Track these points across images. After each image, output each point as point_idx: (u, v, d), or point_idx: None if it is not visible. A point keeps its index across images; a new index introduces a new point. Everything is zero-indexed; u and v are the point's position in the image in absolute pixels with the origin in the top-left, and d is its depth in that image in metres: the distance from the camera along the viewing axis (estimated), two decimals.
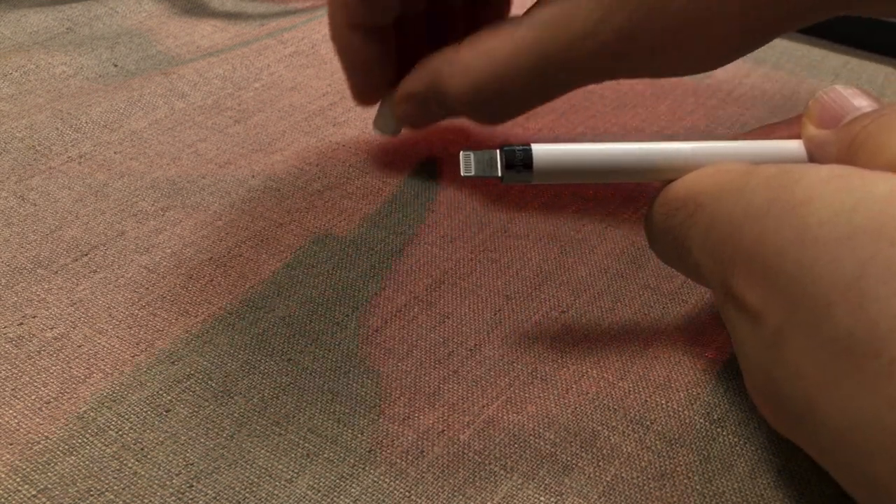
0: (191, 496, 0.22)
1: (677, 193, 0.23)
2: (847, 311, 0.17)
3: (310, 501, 0.22)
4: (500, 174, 0.23)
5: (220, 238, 0.31)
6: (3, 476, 0.22)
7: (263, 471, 0.23)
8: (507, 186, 0.34)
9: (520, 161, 0.23)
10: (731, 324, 0.21)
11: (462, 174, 0.23)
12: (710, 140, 0.24)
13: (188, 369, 0.26)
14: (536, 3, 0.28)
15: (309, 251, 0.31)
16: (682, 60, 0.27)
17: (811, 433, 0.18)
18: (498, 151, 0.23)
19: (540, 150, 0.23)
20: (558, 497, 0.22)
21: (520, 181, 0.23)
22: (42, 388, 0.25)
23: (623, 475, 0.23)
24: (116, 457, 0.23)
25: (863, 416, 0.16)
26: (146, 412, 0.24)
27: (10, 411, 0.24)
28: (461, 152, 0.23)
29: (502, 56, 0.28)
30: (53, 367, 0.26)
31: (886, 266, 0.16)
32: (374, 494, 0.22)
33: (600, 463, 0.23)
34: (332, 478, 0.23)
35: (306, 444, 0.24)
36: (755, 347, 0.20)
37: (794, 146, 0.23)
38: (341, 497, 0.22)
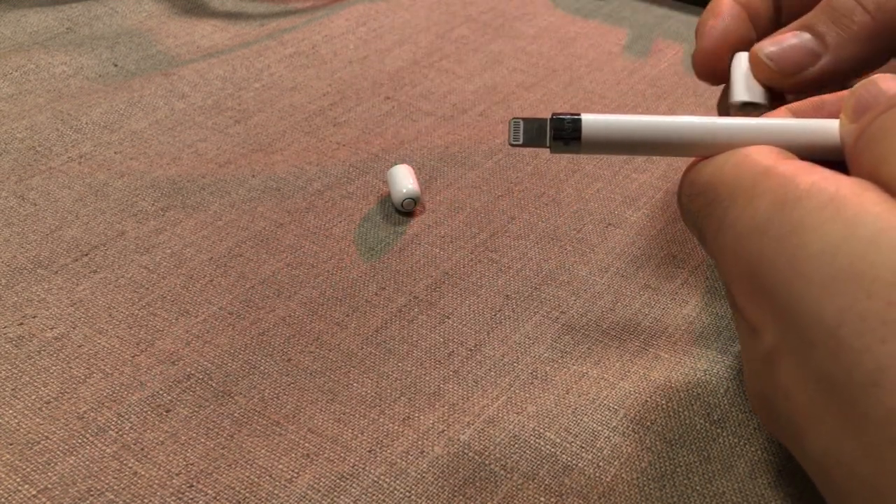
0: (191, 496, 0.22)
1: (700, 178, 0.22)
2: (827, 355, 0.17)
3: (310, 501, 0.22)
4: (548, 144, 0.23)
5: (220, 238, 0.31)
6: (3, 476, 0.22)
7: (263, 471, 0.23)
8: (507, 181, 0.34)
9: (569, 131, 0.22)
10: (735, 324, 0.21)
11: (510, 143, 0.23)
12: (757, 119, 0.23)
13: (188, 369, 0.26)
14: None
15: (309, 251, 0.31)
16: None
17: (799, 451, 0.19)
18: (548, 120, 0.23)
19: (589, 119, 0.22)
20: (558, 497, 0.22)
21: (567, 152, 0.23)
22: (42, 388, 0.25)
23: (623, 476, 0.23)
24: (116, 457, 0.23)
25: (842, 458, 0.17)
26: (146, 412, 0.24)
27: (10, 411, 0.24)
28: (511, 119, 0.23)
29: None
30: (53, 367, 0.26)
31: (861, 318, 0.16)
32: (374, 494, 0.22)
33: (600, 463, 0.23)
34: (332, 478, 0.23)
35: (306, 444, 0.24)
36: (753, 358, 0.20)
37: (832, 129, 0.23)
38: (341, 497, 0.22)
